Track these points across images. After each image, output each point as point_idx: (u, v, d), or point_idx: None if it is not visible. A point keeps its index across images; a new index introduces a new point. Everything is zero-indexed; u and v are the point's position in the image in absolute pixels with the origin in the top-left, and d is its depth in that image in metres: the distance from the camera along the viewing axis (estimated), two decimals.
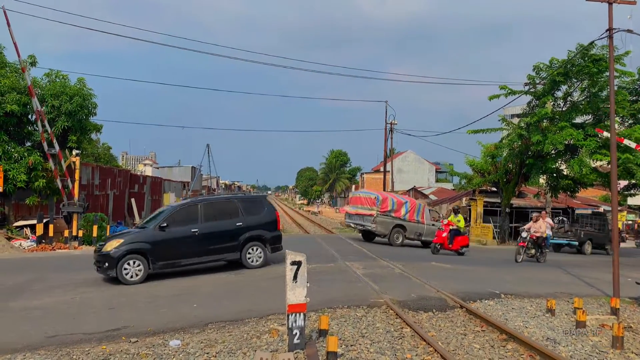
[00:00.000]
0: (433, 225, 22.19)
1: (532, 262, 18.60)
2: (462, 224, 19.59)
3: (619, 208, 31.44)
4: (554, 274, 16.16)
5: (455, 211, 20.03)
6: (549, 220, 20.76)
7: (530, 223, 19.43)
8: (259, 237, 13.26)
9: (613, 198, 12.85)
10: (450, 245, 19.07)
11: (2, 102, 18.52)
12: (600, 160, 23.51)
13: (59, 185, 18.85)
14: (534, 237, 18.92)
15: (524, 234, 18.95)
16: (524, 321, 9.40)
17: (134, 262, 11.55)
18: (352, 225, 22.99)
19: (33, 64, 20.49)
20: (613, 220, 12.84)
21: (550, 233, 20.88)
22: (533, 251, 18.93)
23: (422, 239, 22.18)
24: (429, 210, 23.28)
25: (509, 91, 26.14)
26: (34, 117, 20.30)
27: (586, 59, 23.10)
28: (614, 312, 10.35)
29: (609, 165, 14.98)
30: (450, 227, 19.21)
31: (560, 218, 35.02)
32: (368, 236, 22.78)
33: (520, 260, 18.50)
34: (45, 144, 18.34)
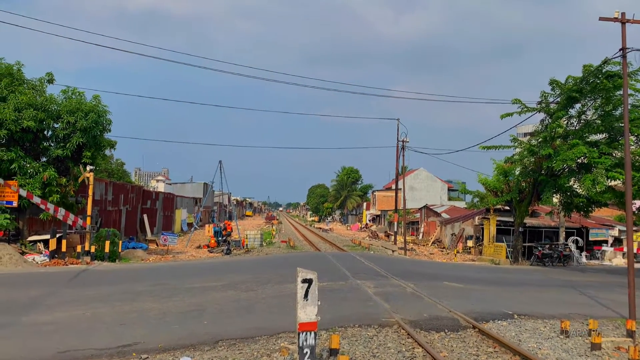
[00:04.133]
0: None
1: (544, 281, 18.17)
2: None
3: (635, 228, 30.94)
4: (568, 294, 15.92)
5: None
6: None
7: None
8: None
9: (628, 218, 12.66)
10: None
11: (19, 118, 18.83)
12: (615, 179, 23.26)
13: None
14: None
15: None
16: (538, 342, 9.24)
17: None
18: None
19: (50, 81, 20.93)
20: (628, 240, 12.63)
21: None
22: None
23: None
24: None
25: (523, 108, 26.09)
26: (49, 132, 20.69)
27: (600, 76, 23.02)
28: (630, 334, 10.14)
29: (624, 185, 14.80)
30: None
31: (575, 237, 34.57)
32: None
33: None
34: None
